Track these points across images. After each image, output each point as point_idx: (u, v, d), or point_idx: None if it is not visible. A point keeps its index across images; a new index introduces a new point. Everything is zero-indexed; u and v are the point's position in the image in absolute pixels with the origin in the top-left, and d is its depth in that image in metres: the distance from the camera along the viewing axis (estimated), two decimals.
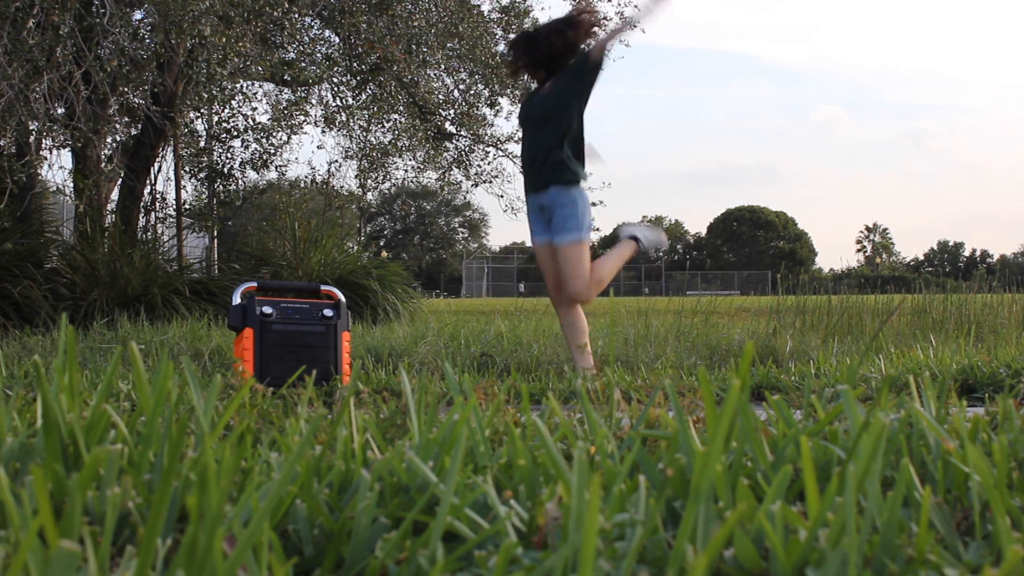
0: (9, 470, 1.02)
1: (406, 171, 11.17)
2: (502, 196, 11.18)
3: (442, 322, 6.94)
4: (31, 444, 1.07)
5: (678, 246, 77.66)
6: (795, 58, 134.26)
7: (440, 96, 10.27)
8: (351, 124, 10.18)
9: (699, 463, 0.78)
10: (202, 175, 9.65)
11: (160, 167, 9.08)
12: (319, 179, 11.39)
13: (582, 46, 3.70)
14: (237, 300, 3.04)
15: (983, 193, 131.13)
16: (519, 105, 3.76)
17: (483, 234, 65.09)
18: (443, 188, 12.15)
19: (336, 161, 10.91)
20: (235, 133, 9.32)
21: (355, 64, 9.41)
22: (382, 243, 57.90)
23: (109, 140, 8.70)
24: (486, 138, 10.61)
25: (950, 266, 75.20)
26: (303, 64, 8.96)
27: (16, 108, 5.90)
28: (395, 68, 8.75)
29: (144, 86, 7.97)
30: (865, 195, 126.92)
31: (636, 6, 9.80)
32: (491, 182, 10.96)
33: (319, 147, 12.68)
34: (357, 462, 1.03)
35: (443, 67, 9.73)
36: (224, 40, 6.45)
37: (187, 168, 9.69)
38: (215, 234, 10.08)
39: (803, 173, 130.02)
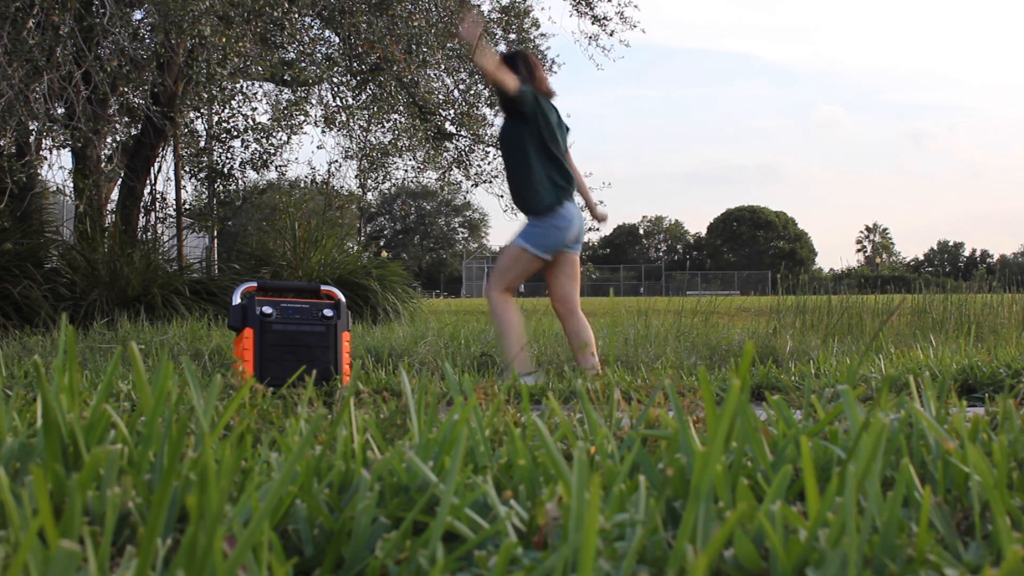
0: (9, 470, 1.02)
1: (406, 171, 11.18)
2: (502, 196, 11.17)
3: (442, 322, 6.94)
4: (31, 444, 1.07)
5: (678, 246, 77.69)
6: (795, 58, 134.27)
7: (440, 96, 10.27)
8: (351, 124, 10.18)
9: (699, 463, 0.78)
10: (202, 175, 9.65)
11: (160, 167, 9.09)
12: (319, 179, 11.40)
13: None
14: (237, 300, 3.04)
15: (983, 193, 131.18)
16: (540, 100, 3.68)
17: (483, 234, 65.11)
18: (443, 188, 12.14)
19: (336, 161, 10.91)
20: (235, 133, 9.33)
21: (355, 64, 9.41)
22: (382, 243, 57.91)
23: (109, 140, 8.70)
24: (486, 138, 10.60)
25: (950, 266, 75.20)
26: (303, 64, 8.96)
27: (16, 108, 5.90)
28: (395, 68, 8.75)
29: (144, 86, 7.97)
30: (865, 195, 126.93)
31: (636, 6, 9.83)
32: (491, 182, 10.95)
33: (319, 147, 12.69)
34: (357, 462, 1.03)
35: (443, 67, 9.73)
36: (224, 40, 6.45)
37: (187, 168, 9.70)
38: (215, 234, 10.08)
39: (803, 173, 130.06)
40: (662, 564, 0.80)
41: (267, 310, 2.97)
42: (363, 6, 8.39)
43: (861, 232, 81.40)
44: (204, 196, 10.04)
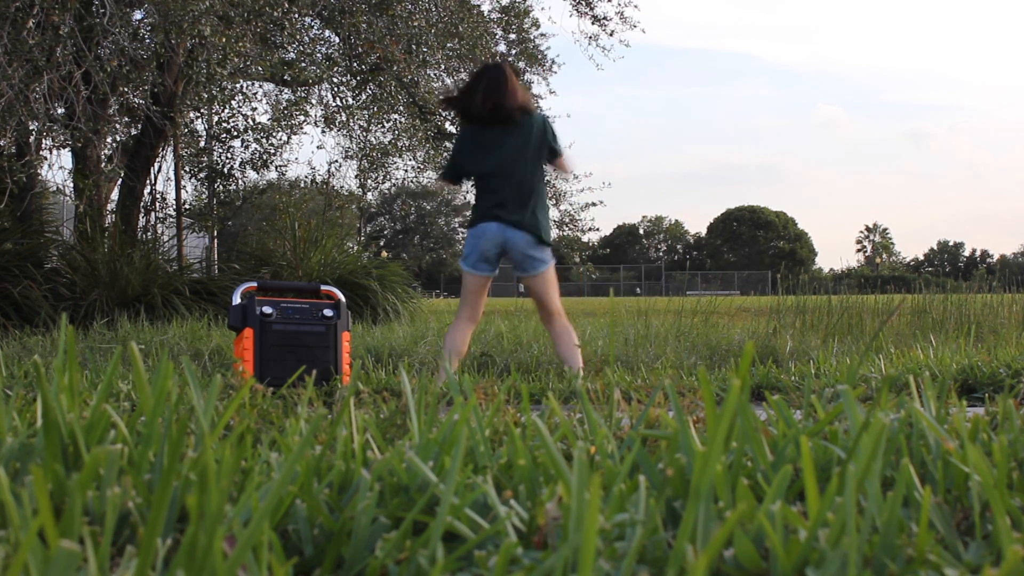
0: (9, 470, 1.02)
1: (406, 171, 11.17)
2: None
3: (442, 322, 6.94)
4: (31, 444, 1.07)
5: (678, 246, 77.68)
6: (795, 58, 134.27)
7: (440, 96, 10.27)
8: (351, 124, 10.17)
9: (699, 463, 0.78)
10: (202, 175, 9.65)
11: (160, 167, 9.09)
12: (319, 179, 11.40)
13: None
14: (237, 300, 3.04)
15: (983, 193, 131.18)
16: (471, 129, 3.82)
17: None
18: (443, 188, 12.13)
19: (336, 161, 10.90)
20: (235, 133, 9.32)
21: (355, 64, 9.41)
22: (382, 243, 57.87)
23: (109, 140, 8.70)
24: None
25: (950, 266, 75.19)
26: (303, 64, 8.96)
27: (16, 108, 5.90)
28: (395, 68, 8.75)
29: (144, 86, 7.97)
30: (865, 195, 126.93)
31: (636, 6, 9.84)
32: None
33: (319, 147, 12.68)
34: (357, 462, 1.03)
35: (443, 67, 9.73)
36: (224, 40, 6.45)
37: (187, 168, 9.69)
38: (215, 234, 10.08)
39: (803, 173, 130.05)
40: (662, 564, 0.80)
41: (267, 310, 2.97)
42: (363, 6, 8.39)
43: (861, 232, 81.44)
44: (204, 196, 10.04)
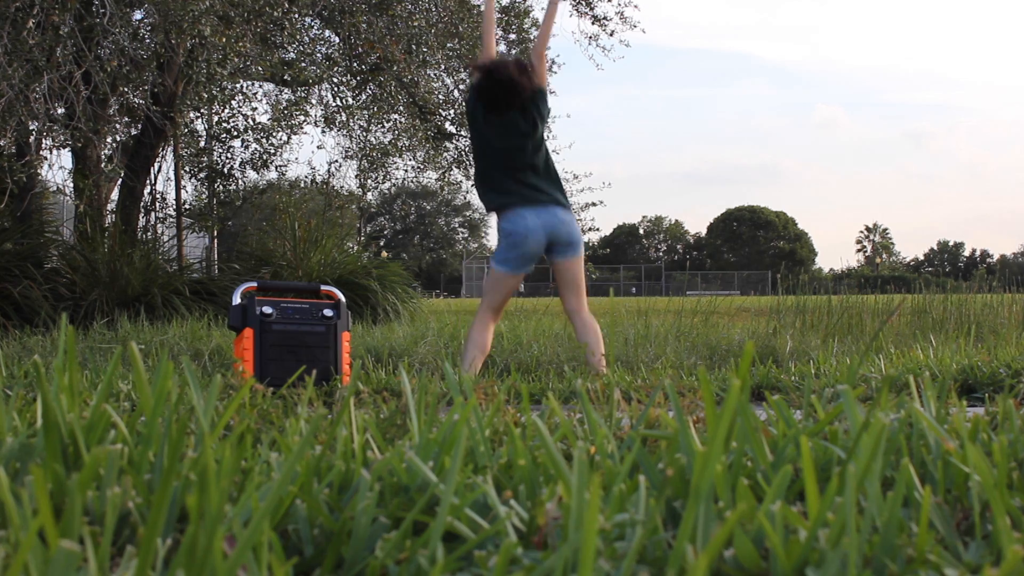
0: (9, 470, 1.02)
1: (406, 171, 11.16)
2: None
3: (442, 322, 6.94)
4: (31, 444, 1.07)
5: (678, 246, 77.67)
6: (795, 58, 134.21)
7: (440, 96, 10.26)
8: (351, 124, 10.17)
9: (699, 463, 0.78)
10: (202, 175, 9.64)
11: (160, 167, 9.08)
12: (319, 179, 11.38)
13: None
14: (237, 300, 3.04)
15: (983, 193, 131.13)
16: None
17: (483, 234, 65.07)
18: (443, 188, 12.12)
19: (336, 161, 10.89)
20: (235, 133, 9.32)
21: (355, 64, 9.41)
22: (382, 243, 57.85)
23: (109, 140, 8.69)
24: None
25: (950, 266, 75.20)
26: (303, 64, 8.96)
27: (16, 108, 5.90)
28: (395, 68, 8.75)
29: (144, 86, 7.96)
30: (865, 195, 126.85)
31: (635, 6, 9.85)
32: None
33: (319, 147, 12.67)
34: (357, 462, 1.03)
35: (443, 67, 9.72)
36: (224, 40, 6.45)
37: (187, 168, 9.69)
38: (215, 234, 10.07)
39: (803, 173, 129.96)
40: (662, 564, 0.80)
41: (267, 310, 2.97)
42: (363, 6, 8.39)
43: (861, 232, 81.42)
44: (204, 196, 10.03)
